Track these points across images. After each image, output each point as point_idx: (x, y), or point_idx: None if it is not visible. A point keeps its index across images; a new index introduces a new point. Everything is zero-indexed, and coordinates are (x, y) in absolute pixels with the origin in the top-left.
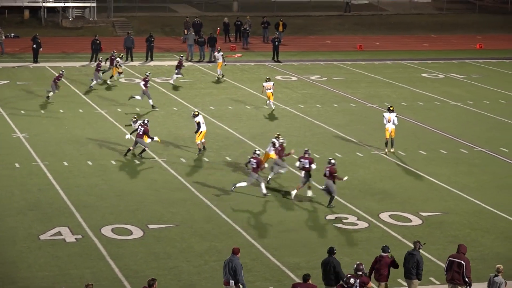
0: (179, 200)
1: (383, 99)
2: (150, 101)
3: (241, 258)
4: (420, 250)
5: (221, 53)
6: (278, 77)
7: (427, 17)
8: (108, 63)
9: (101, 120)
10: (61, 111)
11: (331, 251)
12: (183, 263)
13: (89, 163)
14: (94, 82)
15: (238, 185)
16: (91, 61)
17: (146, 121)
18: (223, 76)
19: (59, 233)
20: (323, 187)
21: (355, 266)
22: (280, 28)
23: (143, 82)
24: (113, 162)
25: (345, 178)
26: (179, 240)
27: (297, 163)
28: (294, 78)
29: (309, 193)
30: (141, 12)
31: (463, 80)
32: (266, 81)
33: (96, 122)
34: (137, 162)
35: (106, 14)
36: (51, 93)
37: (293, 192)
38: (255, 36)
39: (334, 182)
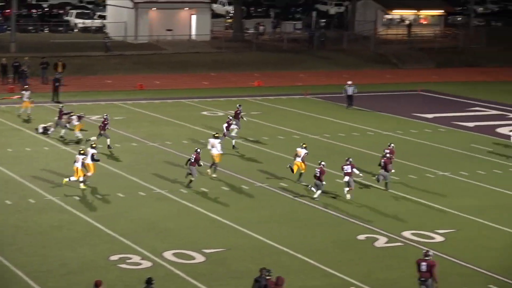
0: None
1: (164, 137)
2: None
3: None
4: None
5: (29, 91)
6: None
7: (206, 55)
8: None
9: None
10: None
11: (149, 281)
12: None
13: None
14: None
15: (316, 195)
16: None
17: (198, 150)
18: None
19: None
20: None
21: None
22: (60, 69)
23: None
24: None
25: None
26: None
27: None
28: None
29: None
30: None
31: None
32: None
33: None
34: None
35: None
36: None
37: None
38: (34, 77)
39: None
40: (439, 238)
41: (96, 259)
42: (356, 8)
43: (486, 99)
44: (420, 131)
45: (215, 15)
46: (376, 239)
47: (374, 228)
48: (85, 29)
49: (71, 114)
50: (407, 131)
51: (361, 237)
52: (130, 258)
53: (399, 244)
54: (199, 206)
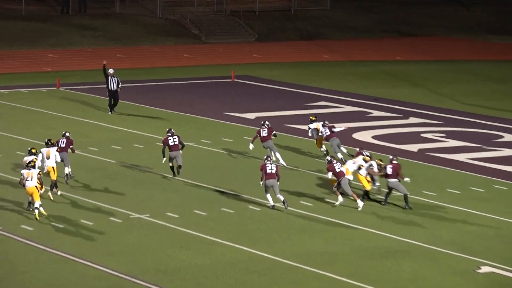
0: None
1: None
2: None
3: None
4: None
5: None
6: None
7: None
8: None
9: None
10: None
11: None
12: None
13: None
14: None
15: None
16: None
17: (172, 130)
18: None
19: None
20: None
21: None
22: None
23: None
24: None
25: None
26: None
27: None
28: None
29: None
30: None
31: None
32: None
33: None
34: None
35: None
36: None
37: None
38: None
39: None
40: None
41: None
42: None
43: (332, 88)
44: (236, 141)
45: None
46: None
47: None
48: None
49: None
50: (218, 139)
51: None
52: None
53: None
54: None
